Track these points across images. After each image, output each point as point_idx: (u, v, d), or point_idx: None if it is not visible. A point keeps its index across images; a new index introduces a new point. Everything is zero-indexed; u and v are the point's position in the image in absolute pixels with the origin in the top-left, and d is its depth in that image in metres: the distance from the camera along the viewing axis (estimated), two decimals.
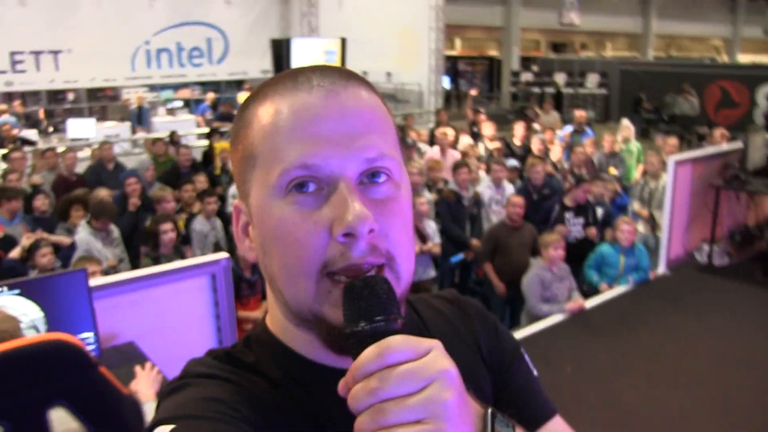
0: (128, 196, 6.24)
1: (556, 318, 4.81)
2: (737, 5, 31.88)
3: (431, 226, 6.23)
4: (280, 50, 12.40)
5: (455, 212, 6.43)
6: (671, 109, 16.80)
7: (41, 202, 6.13)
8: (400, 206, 0.72)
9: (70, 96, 15.95)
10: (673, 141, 7.76)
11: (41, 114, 14.24)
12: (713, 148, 6.32)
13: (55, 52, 15.02)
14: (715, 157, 5.81)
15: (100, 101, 16.49)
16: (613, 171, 7.62)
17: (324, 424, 0.74)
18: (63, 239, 5.51)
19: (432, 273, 6.34)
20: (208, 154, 8.74)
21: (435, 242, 6.21)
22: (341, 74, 0.74)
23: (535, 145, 8.41)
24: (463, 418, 0.57)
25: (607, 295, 5.18)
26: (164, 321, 2.88)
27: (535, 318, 4.96)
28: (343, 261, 0.68)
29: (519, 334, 4.74)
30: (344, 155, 0.69)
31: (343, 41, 13.06)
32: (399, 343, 0.58)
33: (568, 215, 6.12)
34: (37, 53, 14.83)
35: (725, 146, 6.27)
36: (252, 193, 0.74)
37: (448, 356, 0.59)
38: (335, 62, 13.16)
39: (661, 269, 5.61)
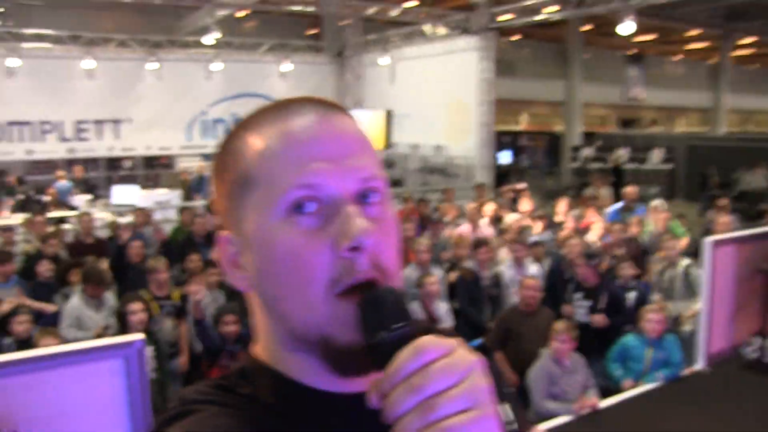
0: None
1: (564, 418, 4.15)
2: None
3: (442, 308, 5.71)
4: None
5: (473, 293, 5.92)
6: (740, 185, 15.84)
7: (44, 268, 6.06)
8: (391, 224, 0.75)
9: (127, 163, 16.35)
10: (724, 219, 7.04)
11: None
12: (762, 228, 5.60)
13: (116, 122, 15.52)
14: (764, 236, 5.11)
15: (155, 169, 16.86)
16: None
17: None
18: (46, 306, 5.37)
19: None
20: None
21: (447, 326, 5.68)
22: (327, 102, 0.78)
23: (570, 223, 7.80)
24: (495, 403, 0.60)
25: (629, 393, 4.49)
26: (62, 408, 2.49)
27: (541, 417, 4.32)
28: (349, 276, 0.69)
29: None
30: (343, 174, 0.71)
31: (389, 113, 12.91)
32: (431, 341, 0.60)
33: (577, 296, 5.52)
34: (99, 122, 15.36)
35: None
36: (247, 218, 0.74)
37: (470, 350, 0.62)
38: (380, 133, 12.98)
39: (700, 365, 4.87)
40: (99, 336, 5.02)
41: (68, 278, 5.88)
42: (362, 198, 0.73)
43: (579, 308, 5.50)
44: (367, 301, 0.67)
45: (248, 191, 0.74)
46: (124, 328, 4.65)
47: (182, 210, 9.28)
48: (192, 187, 13.58)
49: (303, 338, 0.72)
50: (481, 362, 0.60)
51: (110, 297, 5.55)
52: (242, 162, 0.75)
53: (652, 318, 4.72)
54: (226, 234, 0.78)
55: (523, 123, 29.66)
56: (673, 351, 4.72)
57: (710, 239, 4.68)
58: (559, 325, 4.47)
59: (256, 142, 0.75)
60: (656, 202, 8.97)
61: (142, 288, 5.55)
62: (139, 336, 2.64)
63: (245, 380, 0.78)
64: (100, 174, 15.63)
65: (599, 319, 5.47)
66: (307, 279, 0.70)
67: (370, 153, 0.77)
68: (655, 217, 7.75)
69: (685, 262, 6.02)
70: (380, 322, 0.65)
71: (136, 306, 4.64)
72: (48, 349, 2.58)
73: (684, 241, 8.09)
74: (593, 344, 5.19)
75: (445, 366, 0.58)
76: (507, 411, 0.68)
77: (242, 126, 0.78)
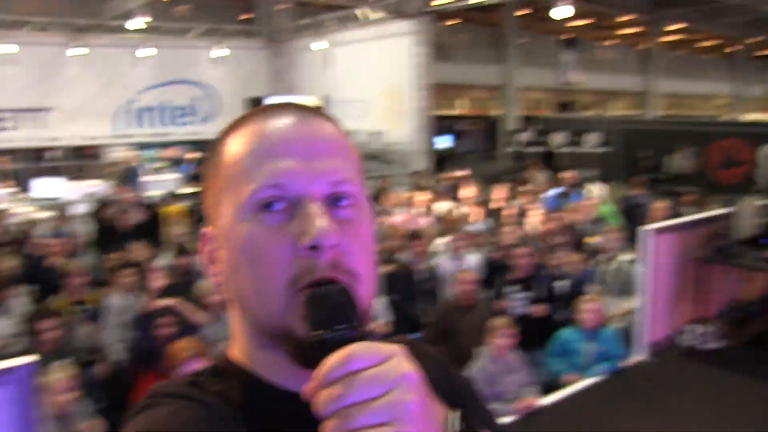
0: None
1: (504, 419, 3.98)
2: (737, 64, 31.75)
3: (378, 302, 5.50)
4: None
5: (407, 287, 5.71)
6: (670, 168, 16.17)
7: None
8: (364, 229, 0.77)
9: (51, 154, 15.56)
10: (661, 204, 7.04)
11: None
12: (700, 214, 5.55)
13: (38, 110, 14.72)
14: (701, 224, 5.07)
15: (82, 160, 16.10)
16: (593, 238, 6.82)
17: None
18: None
19: None
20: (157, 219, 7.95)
21: (384, 321, 5.48)
22: (308, 108, 0.81)
23: (508, 210, 7.66)
24: (426, 419, 0.59)
25: (570, 389, 4.36)
26: None
27: None
28: (309, 275, 0.70)
29: None
30: (311, 176, 0.73)
31: (323, 100, 12.59)
32: (362, 349, 0.59)
33: (511, 288, 5.38)
34: (19, 111, 14.54)
35: (713, 212, 5.53)
36: (222, 214, 0.77)
37: (410, 361, 0.61)
38: None
39: (641, 355, 4.80)
40: (4, 347, 4.64)
41: None
42: (334, 201, 0.74)
43: (515, 301, 5.35)
44: (314, 297, 0.68)
45: (226, 188, 0.76)
46: (37, 345, 4.27)
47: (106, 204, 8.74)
48: (123, 179, 12.97)
49: (267, 331, 0.74)
50: (416, 375, 0.59)
51: (18, 302, 5.11)
52: (224, 164, 0.78)
53: (587, 308, 4.57)
54: (207, 230, 0.81)
55: (460, 108, 29.70)
56: (613, 343, 4.59)
57: (649, 228, 4.60)
58: (499, 321, 4.27)
59: (234, 143, 0.78)
60: (593, 186, 9.00)
61: (58, 290, 5.15)
62: (29, 359, 2.32)
63: (217, 378, 0.79)
64: (22, 166, 14.77)
65: (540, 309, 5.32)
66: (269, 273, 0.72)
67: (347, 157, 0.78)
68: (589, 204, 7.72)
69: (621, 257, 5.89)
70: (323, 319, 0.65)
71: (48, 323, 4.25)
72: None
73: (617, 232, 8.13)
74: (534, 337, 5.06)
75: (371, 376, 0.58)
76: (455, 421, 0.63)
77: (228, 130, 0.81)
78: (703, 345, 4.93)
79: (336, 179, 0.74)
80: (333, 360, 0.59)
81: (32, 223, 8.48)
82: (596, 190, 9.06)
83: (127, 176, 12.85)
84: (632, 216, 7.78)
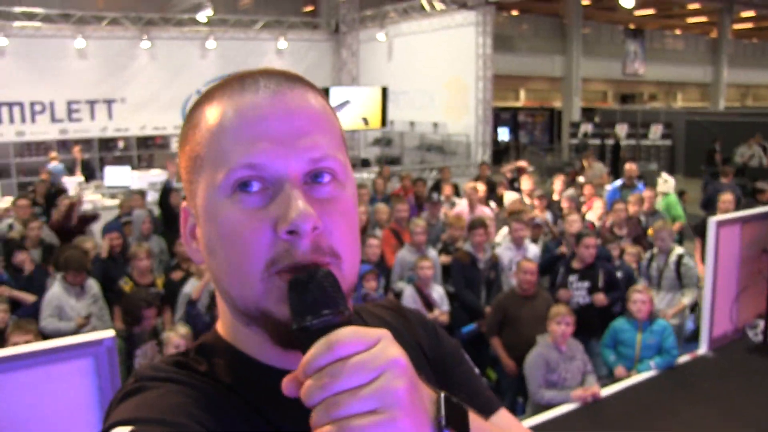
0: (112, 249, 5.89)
1: (564, 408, 4.02)
2: None
3: (438, 292, 5.59)
4: None
5: (469, 276, 5.78)
6: (736, 160, 15.70)
7: (22, 257, 5.75)
8: (345, 206, 0.74)
9: (121, 144, 16.15)
10: (728, 197, 6.90)
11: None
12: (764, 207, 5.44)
13: (109, 102, 15.30)
14: None
15: (150, 150, 16.67)
16: (651, 231, 6.75)
17: (279, 426, 0.73)
18: (24, 296, 5.16)
19: None
20: None
21: (442, 310, 5.56)
22: (288, 77, 0.76)
23: (565, 203, 7.64)
24: (415, 404, 0.57)
25: (631, 380, 4.35)
26: (29, 413, 2.36)
27: (540, 406, 4.20)
28: (288, 259, 0.69)
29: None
30: (289, 155, 0.70)
31: (385, 91, 12.69)
32: (348, 335, 0.58)
33: (572, 278, 5.39)
34: (92, 102, 15.14)
35: None
36: (199, 192, 0.74)
37: (397, 345, 0.59)
38: (376, 111, 12.77)
39: (703, 350, 4.75)
40: (80, 326, 4.89)
41: (48, 266, 5.65)
42: (314, 178, 0.72)
43: (577, 290, 5.37)
44: (297, 283, 0.66)
45: (201, 166, 0.74)
46: (134, 323, 4.56)
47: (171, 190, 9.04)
48: None
49: (245, 312, 0.73)
50: (404, 360, 0.58)
51: (93, 284, 5.29)
52: (197, 137, 0.75)
53: (637, 298, 4.54)
54: (186, 205, 0.79)
55: (521, 99, 29.41)
56: (665, 336, 4.55)
57: (715, 219, 4.55)
58: (559, 309, 4.31)
59: (209, 117, 0.74)
60: (664, 176, 8.87)
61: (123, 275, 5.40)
62: (109, 333, 2.50)
63: (204, 357, 0.78)
64: (94, 155, 15.40)
65: (601, 299, 5.33)
66: (246, 256, 0.70)
67: (327, 131, 0.74)
68: (648, 195, 7.64)
69: (678, 251, 5.79)
70: (307, 306, 0.64)
71: (149, 312, 4.54)
72: (10, 349, 2.43)
73: (678, 225, 7.99)
74: (594, 327, 5.08)
75: (358, 363, 0.56)
76: (442, 403, 0.61)
77: (201, 100, 0.78)
78: None
79: (315, 156, 0.71)
80: (318, 347, 0.58)
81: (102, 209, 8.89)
82: (668, 181, 8.91)
83: None
84: (713, 206, 7.68)
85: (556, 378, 4.19)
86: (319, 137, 0.72)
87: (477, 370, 1.01)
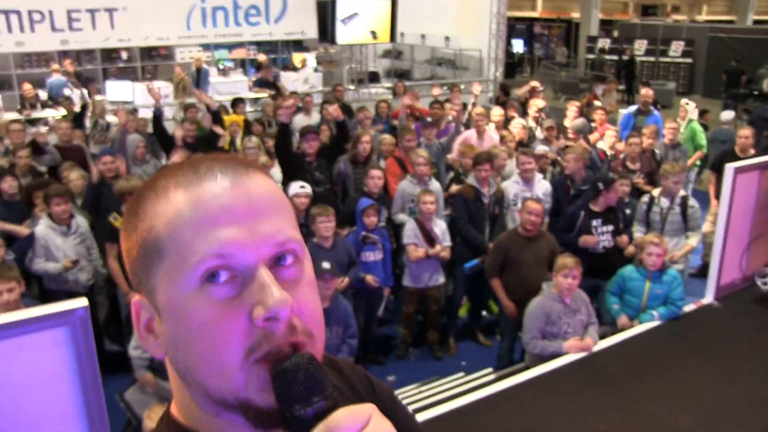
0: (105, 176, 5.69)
1: (558, 361, 3.92)
2: None
3: (440, 226, 5.45)
4: (325, 11, 11.61)
5: (473, 211, 5.61)
6: (762, 84, 15.11)
7: (8, 185, 5.42)
8: (308, 283, 0.75)
9: (124, 55, 15.71)
10: (746, 132, 6.61)
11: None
12: None
13: (110, 10, 14.76)
14: None
15: (154, 60, 16.21)
16: (668, 166, 6.47)
17: None
18: (19, 229, 5.01)
19: (440, 279, 5.59)
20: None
21: (444, 245, 5.44)
22: (241, 163, 0.76)
23: (571, 134, 7.31)
24: None
25: (629, 333, 4.23)
26: (2, 385, 2.28)
27: (535, 356, 4.11)
28: (267, 344, 0.68)
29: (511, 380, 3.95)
30: (256, 241, 0.70)
31: (393, 2, 12.12)
32: (344, 419, 0.62)
33: (596, 223, 5.19)
34: (93, 11, 14.61)
35: None
36: (160, 287, 0.72)
37: (383, 416, 0.64)
38: (385, 24, 12.24)
39: (709, 298, 4.62)
40: (67, 269, 4.76)
41: (33, 199, 5.32)
42: (277, 260, 0.72)
43: (602, 234, 5.20)
44: (282, 373, 0.66)
45: (159, 259, 0.72)
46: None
47: (187, 108, 8.74)
48: (193, 83, 13.01)
49: (220, 401, 0.71)
50: (392, 429, 0.63)
51: (80, 222, 5.06)
52: (151, 227, 0.72)
53: (653, 251, 4.35)
54: (138, 299, 0.76)
55: (538, 8, 28.33)
56: (674, 287, 4.38)
57: (733, 166, 4.32)
58: (566, 261, 4.12)
59: (165, 207, 0.72)
60: (684, 101, 8.50)
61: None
62: (82, 302, 2.38)
63: None
64: (96, 66, 15.01)
65: (626, 241, 5.22)
66: (223, 349, 0.68)
67: (285, 212, 0.75)
68: (671, 126, 7.29)
69: (681, 192, 5.52)
70: (295, 395, 0.65)
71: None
72: None
73: (699, 154, 7.68)
74: (614, 267, 4.95)
75: None
76: None
77: (151, 187, 0.75)
78: None
79: (280, 239, 0.71)
80: None
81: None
82: (690, 105, 8.52)
83: (197, 80, 12.87)
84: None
85: (556, 330, 4.09)
86: (280, 220, 0.73)
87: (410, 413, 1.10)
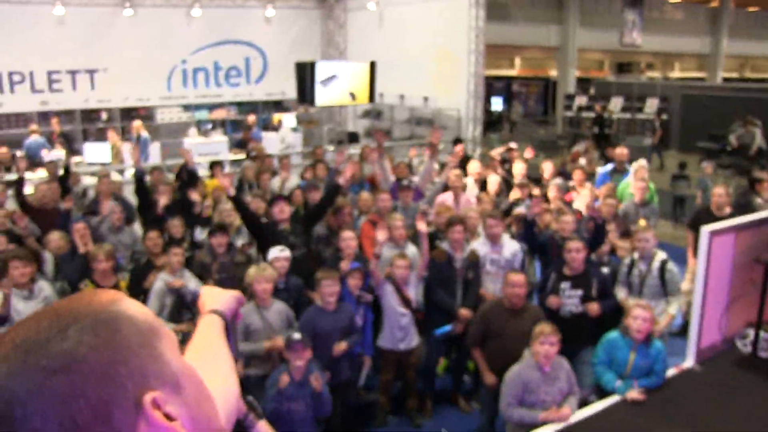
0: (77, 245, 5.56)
1: (544, 430, 3.79)
2: None
3: (414, 290, 5.37)
4: (304, 73, 11.72)
5: (445, 275, 5.52)
6: (736, 141, 15.35)
7: None
8: None
9: (104, 115, 15.70)
10: (720, 190, 6.64)
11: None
12: (762, 213, 5.16)
13: (91, 72, 14.83)
14: (766, 222, 4.72)
15: (134, 121, 16.19)
16: (643, 224, 6.46)
17: None
18: None
19: (414, 341, 5.45)
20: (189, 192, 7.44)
21: (418, 310, 5.36)
22: None
23: (552, 193, 7.30)
24: None
25: (608, 401, 4.09)
26: None
27: (516, 426, 3.98)
28: None
29: None
30: None
31: (372, 65, 12.28)
32: None
33: (564, 285, 5.11)
34: (73, 72, 14.67)
35: None
36: None
37: None
38: (363, 86, 12.37)
39: (690, 362, 4.53)
40: None
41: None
42: None
43: (569, 298, 5.09)
44: None
45: None
46: None
47: (152, 171, 8.60)
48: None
49: None
50: None
51: (44, 286, 4.95)
52: None
53: (639, 314, 4.24)
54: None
55: (516, 67, 28.91)
56: (659, 359, 4.26)
57: (708, 229, 4.29)
58: (543, 328, 4.03)
59: None
60: (641, 163, 8.55)
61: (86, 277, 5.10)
62: None
63: None
64: (76, 127, 14.98)
65: (595, 308, 5.04)
66: None
67: None
68: (640, 186, 7.30)
69: (661, 256, 5.45)
70: None
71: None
72: None
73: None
74: (586, 336, 4.84)
75: None
76: None
77: None
78: (760, 352, 4.64)
79: None
80: None
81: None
82: (644, 167, 8.56)
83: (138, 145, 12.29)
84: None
85: (534, 399, 3.97)
86: None
87: None
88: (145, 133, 12.75)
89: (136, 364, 0.72)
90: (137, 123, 13.23)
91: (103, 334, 0.71)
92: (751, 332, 4.73)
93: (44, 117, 14.40)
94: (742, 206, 7.05)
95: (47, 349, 0.67)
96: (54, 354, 0.67)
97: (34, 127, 12.92)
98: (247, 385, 4.22)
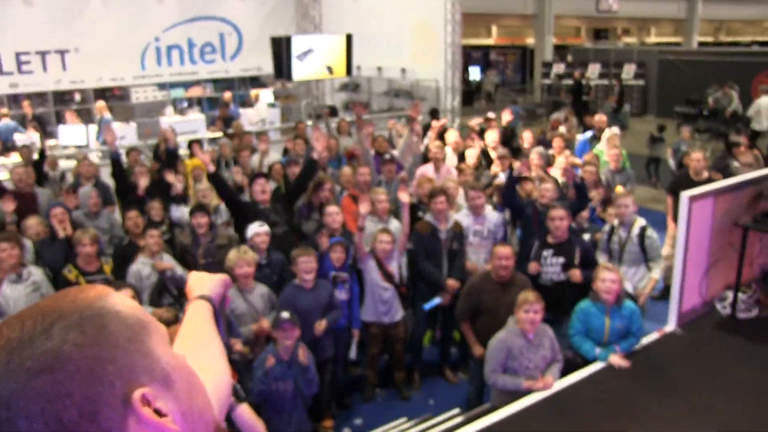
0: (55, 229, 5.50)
1: (527, 399, 3.85)
2: None
3: (397, 264, 5.38)
4: (280, 48, 11.57)
5: (430, 247, 5.53)
6: (713, 104, 15.45)
7: None
8: None
9: (77, 97, 15.43)
10: (698, 155, 6.68)
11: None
12: (739, 177, 5.19)
13: (62, 52, 14.52)
14: (742, 187, 4.77)
15: (109, 102, 15.94)
16: (620, 190, 6.50)
17: None
18: None
19: (398, 315, 5.46)
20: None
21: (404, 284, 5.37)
22: None
23: (535, 160, 7.29)
24: None
25: (590, 368, 4.14)
26: None
27: (503, 395, 4.03)
28: None
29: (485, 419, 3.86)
30: None
31: (349, 38, 12.15)
32: None
33: (546, 253, 5.14)
34: (43, 53, 14.36)
35: (755, 172, 5.21)
36: None
37: None
38: (340, 59, 12.24)
39: (671, 326, 4.60)
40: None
41: None
42: None
43: (551, 266, 5.12)
44: None
45: None
46: None
47: (129, 152, 8.46)
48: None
49: None
50: None
51: (33, 270, 4.88)
52: None
53: (606, 277, 4.22)
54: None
55: (493, 36, 28.78)
56: (634, 319, 4.29)
57: (687, 194, 4.33)
58: (527, 296, 4.07)
59: None
60: (613, 130, 8.60)
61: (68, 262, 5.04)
62: None
63: None
64: (49, 109, 14.70)
65: (577, 274, 5.03)
66: None
67: None
68: (613, 153, 7.37)
69: (640, 222, 5.45)
70: None
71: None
72: None
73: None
74: (568, 304, 4.87)
75: None
76: None
77: None
78: (739, 313, 4.72)
79: None
80: None
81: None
82: (617, 134, 8.60)
83: (100, 127, 12.01)
84: None
85: (517, 366, 4.01)
86: None
87: None
88: (108, 115, 12.47)
89: (124, 361, 0.71)
90: (100, 104, 12.96)
91: (89, 331, 0.69)
92: (730, 294, 4.81)
93: (14, 100, 14.15)
94: (720, 170, 7.12)
95: (31, 349, 0.66)
96: (38, 354, 0.66)
97: (4, 110, 12.65)
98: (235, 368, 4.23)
